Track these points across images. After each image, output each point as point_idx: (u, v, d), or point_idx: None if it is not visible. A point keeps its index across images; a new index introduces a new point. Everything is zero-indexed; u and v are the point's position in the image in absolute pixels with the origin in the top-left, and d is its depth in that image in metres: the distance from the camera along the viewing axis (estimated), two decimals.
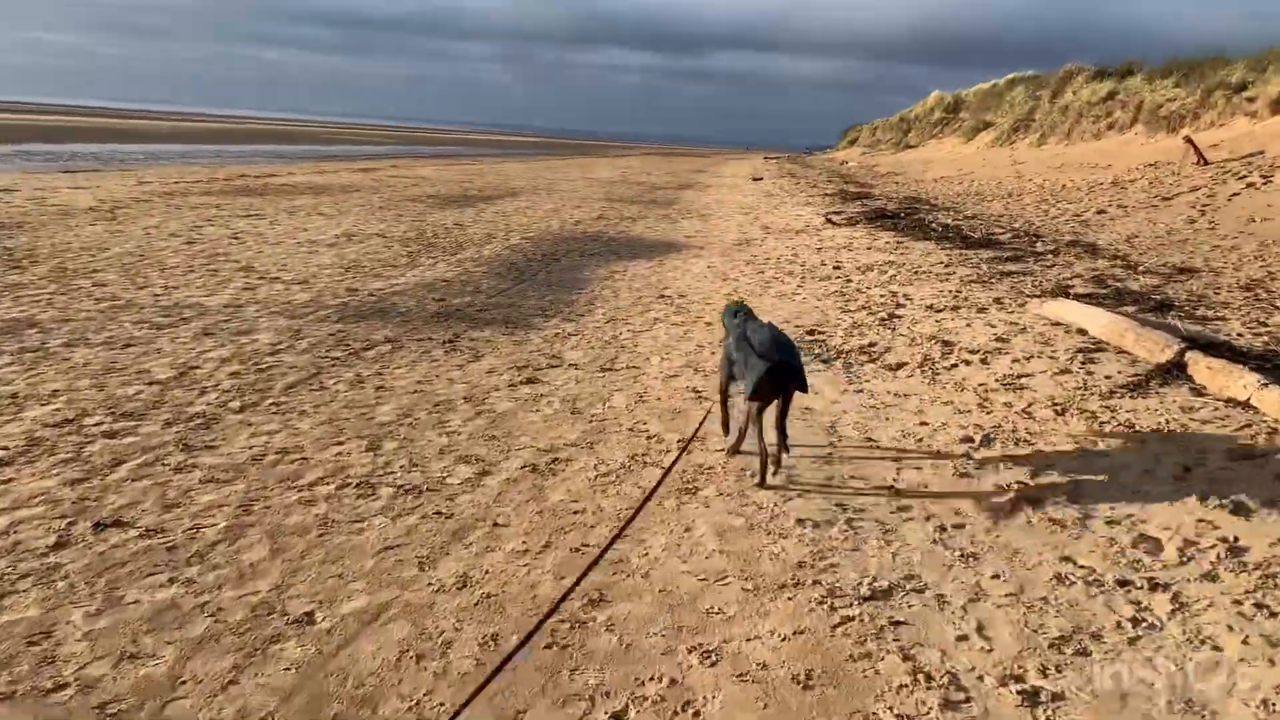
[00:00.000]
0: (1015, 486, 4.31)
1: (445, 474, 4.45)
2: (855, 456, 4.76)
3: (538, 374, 6.37)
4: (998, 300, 8.59)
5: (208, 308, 8.06)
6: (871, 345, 7.15)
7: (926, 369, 6.44)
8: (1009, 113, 37.96)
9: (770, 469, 4.32)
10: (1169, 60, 28.92)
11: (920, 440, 5.00)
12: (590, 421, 5.33)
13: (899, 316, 8.16)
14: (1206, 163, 18.73)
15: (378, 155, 45.41)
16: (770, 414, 4.34)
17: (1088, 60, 34.88)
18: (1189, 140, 20.76)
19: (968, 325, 7.59)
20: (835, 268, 11.27)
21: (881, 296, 9.15)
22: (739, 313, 4.77)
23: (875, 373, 6.42)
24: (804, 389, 4.26)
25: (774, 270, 11.36)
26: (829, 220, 17.24)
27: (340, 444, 4.82)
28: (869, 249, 12.89)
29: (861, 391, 5.94)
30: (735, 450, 4.67)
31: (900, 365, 6.55)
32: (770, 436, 4.32)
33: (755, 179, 35.23)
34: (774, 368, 4.16)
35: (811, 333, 7.68)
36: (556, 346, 7.23)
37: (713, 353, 7.03)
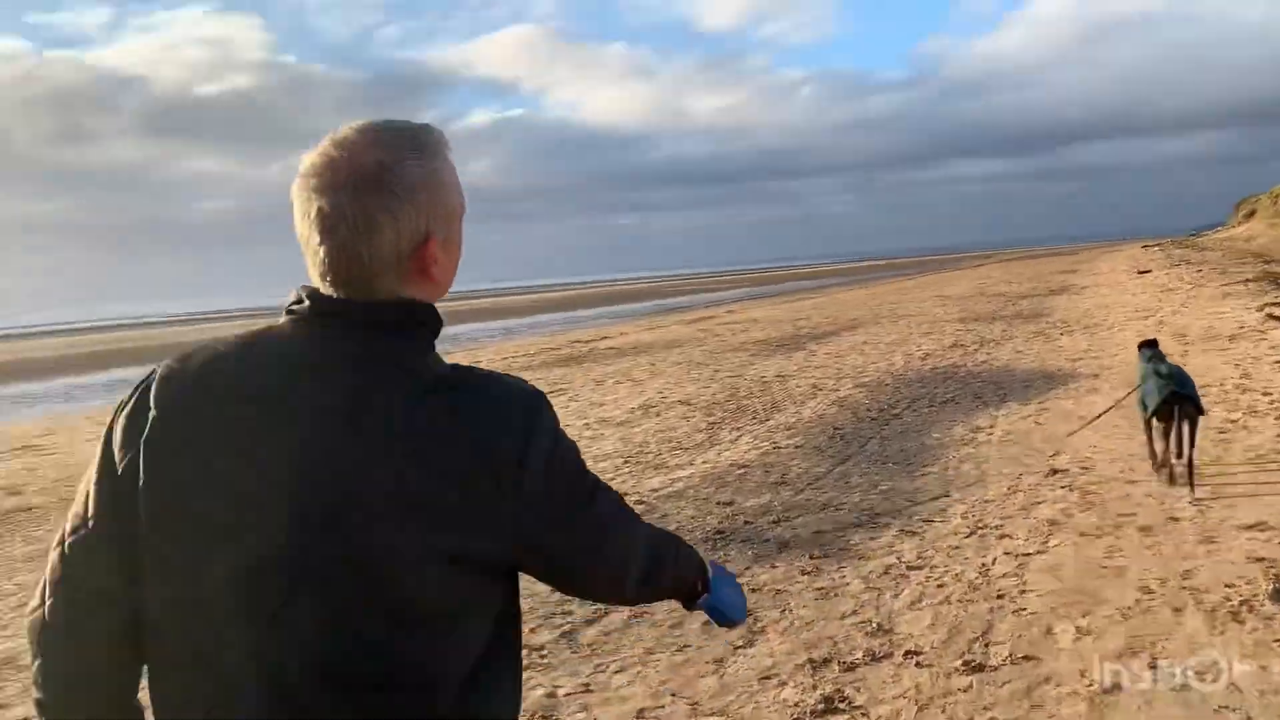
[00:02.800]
0: None
1: None
2: None
3: (843, 684, 3.55)
4: None
5: None
6: None
7: None
8: None
9: (1180, 477, 5.44)
10: None
11: None
12: None
13: None
14: None
15: (717, 302, 45.17)
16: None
17: None
18: None
19: None
20: None
21: None
22: (1151, 355, 6.06)
23: None
24: (1200, 410, 5.47)
25: (1225, 407, 7.52)
26: (1271, 316, 12.64)
27: None
28: None
29: None
30: (1162, 465, 5.63)
31: None
32: (1178, 452, 5.42)
33: (1141, 272, 29.31)
34: (1172, 394, 5.42)
35: None
36: (885, 601, 4.37)
37: (1176, 610, 3.78)
